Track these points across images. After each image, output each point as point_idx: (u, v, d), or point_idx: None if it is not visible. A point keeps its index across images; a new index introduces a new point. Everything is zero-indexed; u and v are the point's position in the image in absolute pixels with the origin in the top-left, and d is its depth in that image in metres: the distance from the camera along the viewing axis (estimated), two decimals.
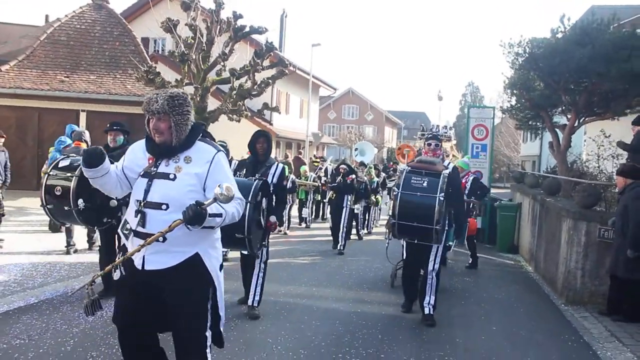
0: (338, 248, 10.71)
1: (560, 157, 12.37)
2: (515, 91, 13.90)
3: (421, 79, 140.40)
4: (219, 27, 14.74)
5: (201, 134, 3.25)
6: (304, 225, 14.66)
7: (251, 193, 5.30)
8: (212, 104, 15.87)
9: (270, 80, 14.81)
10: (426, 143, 6.41)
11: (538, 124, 15.55)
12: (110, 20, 21.04)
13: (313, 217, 15.91)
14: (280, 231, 12.59)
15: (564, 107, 13.00)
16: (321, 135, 32.07)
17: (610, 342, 5.68)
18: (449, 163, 6.67)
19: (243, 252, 5.89)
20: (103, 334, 5.01)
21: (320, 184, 14.05)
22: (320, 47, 29.72)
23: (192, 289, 3.09)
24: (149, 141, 3.19)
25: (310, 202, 15.13)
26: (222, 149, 3.28)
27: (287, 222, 13.27)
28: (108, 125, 6.61)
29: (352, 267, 9.21)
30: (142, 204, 3.05)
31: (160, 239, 2.97)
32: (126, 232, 3.13)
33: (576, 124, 12.40)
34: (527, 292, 8.32)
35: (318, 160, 17.74)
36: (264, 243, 5.82)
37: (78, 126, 11.94)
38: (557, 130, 12.93)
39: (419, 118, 72.61)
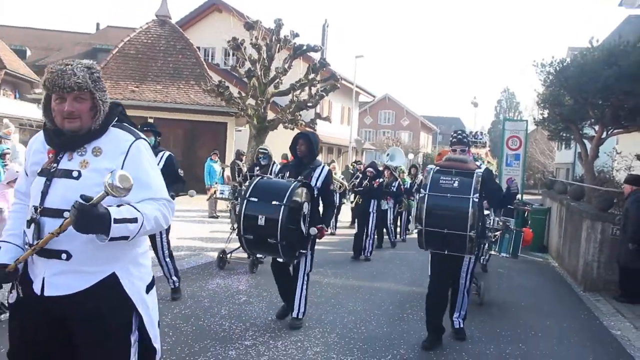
0: (365, 255, 10.38)
1: (587, 166, 13.69)
2: (546, 105, 15.27)
3: (456, 85, 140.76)
4: (278, 45, 16.53)
5: (116, 119, 2.57)
6: (330, 231, 13.43)
7: (286, 195, 5.05)
8: (269, 114, 17.69)
9: (324, 93, 16.53)
10: (451, 149, 5.55)
11: (568, 135, 16.85)
12: (174, 35, 23.04)
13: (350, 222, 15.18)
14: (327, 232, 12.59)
15: (592, 120, 14.30)
16: (363, 142, 33.63)
17: (614, 316, 7.19)
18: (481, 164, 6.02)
19: (277, 259, 5.59)
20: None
21: (346, 186, 13.47)
22: (359, 56, 31.30)
23: (107, 320, 2.38)
24: (47, 130, 2.50)
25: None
26: (143, 136, 2.58)
27: (334, 221, 13.98)
28: (139, 126, 7.19)
29: (403, 259, 10.81)
30: (38, 210, 2.36)
31: (64, 256, 2.32)
32: (27, 246, 2.44)
33: (604, 135, 13.69)
34: (552, 282, 9.81)
35: (354, 164, 18.80)
36: (303, 252, 5.53)
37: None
38: (586, 141, 14.25)
39: (454, 123, 73.52)
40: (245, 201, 5.24)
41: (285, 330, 5.55)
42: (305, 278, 5.67)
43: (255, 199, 5.21)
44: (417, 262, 10.51)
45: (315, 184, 5.60)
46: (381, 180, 10.91)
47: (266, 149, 9.51)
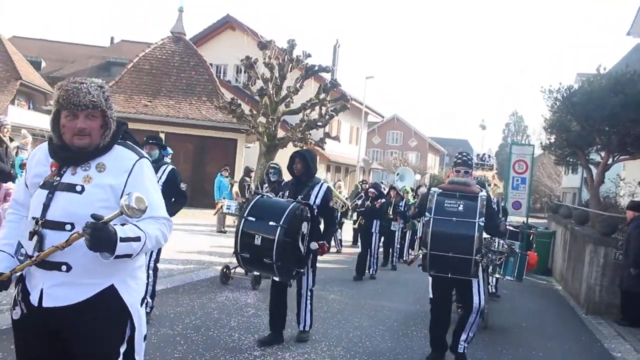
0: (370, 273, 10.47)
1: (593, 191, 13.84)
2: (554, 131, 15.45)
3: (465, 107, 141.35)
4: (291, 64, 16.87)
5: (121, 137, 2.61)
6: (336, 249, 13.83)
7: (284, 216, 5.06)
8: (279, 132, 17.98)
9: (334, 113, 16.82)
10: (455, 170, 5.57)
11: (575, 160, 17.00)
12: (187, 52, 23.48)
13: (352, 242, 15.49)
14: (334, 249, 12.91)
15: (598, 147, 14.46)
16: (371, 161, 33.87)
17: (616, 339, 7.33)
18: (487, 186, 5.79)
19: (274, 278, 5.52)
20: None
21: (349, 205, 13.47)
22: (370, 77, 31.70)
23: (103, 332, 2.43)
24: (53, 145, 2.54)
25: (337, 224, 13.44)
26: (145, 154, 2.65)
27: (340, 239, 14.14)
28: (145, 139, 6.42)
29: (408, 277, 10.96)
30: (39, 222, 2.40)
31: (63, 268, 2.37)
32: (21, 257, 2.48)
33: (610, 161, 13.83)
34: (555, 304, 9.94)
35: (360, 183, 18.82)
36: (301, 271, 5.55)
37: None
38: (592, 166, 14.40)
39: (462, 145, 73.58)
40: (243, 219, 5.27)
41: (293, 343, 5.70)
42: (309, 294, 5.75)
43: (253, 219, 5.22)
44: (423, 282, 10.57)
45: (315, 201, 5.62)
46: (383, 200, 10.90)
47: (276, 165, 9.44)
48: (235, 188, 15.43)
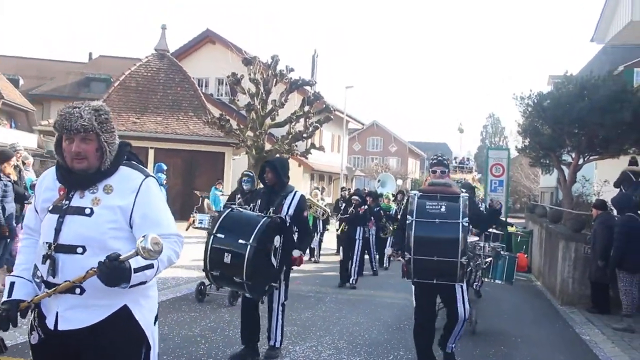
0: (350, 282, 10.31)
1: (566, 191, 14.74)
2: (527, 135, 16.36)
3: (443, 111, 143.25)
4: (275, 79, 17.61)
5: (126, 157, 2.67)
6: (313, 259, 13.48)
7: (254, 234, 4.82)
8: (266, 145, 18.67)
9: (318, 125, 17.58)
10: (431, 170, 5.45)
11: (549, 162, 17.94)
12: (172, 68, 24.08)
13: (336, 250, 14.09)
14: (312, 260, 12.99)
15: (569, 148, 15.38)
16: (354, 169, 34.66)
17: (586, 325, 8.17)
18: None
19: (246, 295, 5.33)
20: None
21: (329, 212, 13.57)
22: (350, 86, 32.58)
23: (120, 353, 2.51)
24: (60, 169, 2.59)
25: (319, 233, 13.86)
26: (151, 173, 2.69)
27: (318, 249, 13.74)
28: None
29: (394, 281, 11.66)
30: (51, 247, 2.46)
31: (77, 290, 2.42)
32: (37, 280, 2.53)
33: (580, 162, 14.72)
34: (533, 297, 10.79)
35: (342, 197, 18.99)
36: (275, 285, 5.35)
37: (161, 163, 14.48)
38: (564, 167, 15.31)
39: (441, 149, 74.88)
40: (212, 237, 5.00)
41: (302, 338, 6.42)
42: (280, 308, 5.58)
43: (222, 235, 4.96)
44: (408, 284, 11.34)
45: (287, 211, 5.47)
46: (366, 207, 11.01)
47: (250, 173, 9.22)
48: (207, 201, 15.46)
